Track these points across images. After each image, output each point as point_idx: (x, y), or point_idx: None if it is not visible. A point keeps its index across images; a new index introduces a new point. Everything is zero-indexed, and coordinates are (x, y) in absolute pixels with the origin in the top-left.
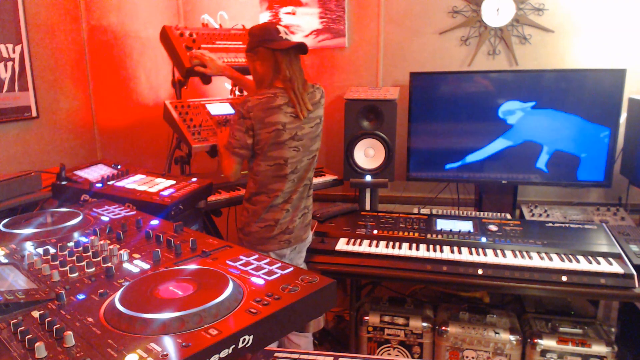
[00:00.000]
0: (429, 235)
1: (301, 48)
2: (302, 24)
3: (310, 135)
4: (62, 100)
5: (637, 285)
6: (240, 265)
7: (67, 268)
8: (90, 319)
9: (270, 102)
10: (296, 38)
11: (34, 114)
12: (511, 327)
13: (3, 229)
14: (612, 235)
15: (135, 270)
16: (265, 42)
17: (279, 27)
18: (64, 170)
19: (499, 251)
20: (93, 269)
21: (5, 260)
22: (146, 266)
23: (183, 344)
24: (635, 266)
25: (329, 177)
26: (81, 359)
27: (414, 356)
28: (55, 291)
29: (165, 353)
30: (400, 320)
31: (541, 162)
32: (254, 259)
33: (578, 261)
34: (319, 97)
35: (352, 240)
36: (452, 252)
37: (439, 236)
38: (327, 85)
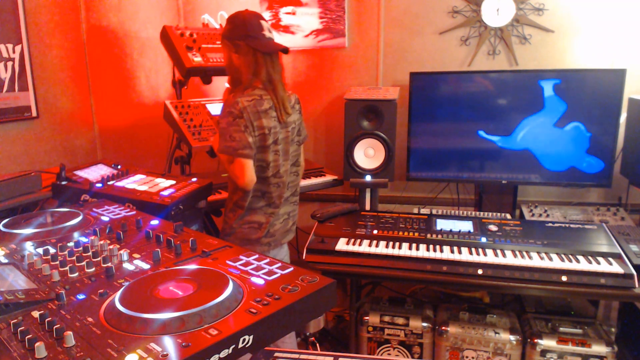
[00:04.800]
0: (429, 235)
1: (284, 51)
2: (302, 24)
3: (287, 140)
4: (62, 100)
5: (637, 285)
6: (240, 265)
7: (67, 268)
8: (90, 319)
9: (258, 106)
10: (296, 38)
11: (34, 114)
12: (511, 327)
13: (3, 229)
14: (612, 235)
15: (135, 270)
16: (248, 38)
17: (262, 22)
18: (64, 170)
19: (499, 251)
20: (93, 269)
21: (5, 260)
22: (146, 266)
23: (183, 344)
24: (635, 266)
25: (329, 177)
26: (81, 359)
27: (414, 356)
28: (55, 291)
29: (165, 353)
30: (400, 320)
31: (541, 162)
32: (254, 259)
33: (578, 261)
34: (293, 101)
35: (352, 240)
36: (452, 252)
37: (439, 236)
38: (327, 85)
